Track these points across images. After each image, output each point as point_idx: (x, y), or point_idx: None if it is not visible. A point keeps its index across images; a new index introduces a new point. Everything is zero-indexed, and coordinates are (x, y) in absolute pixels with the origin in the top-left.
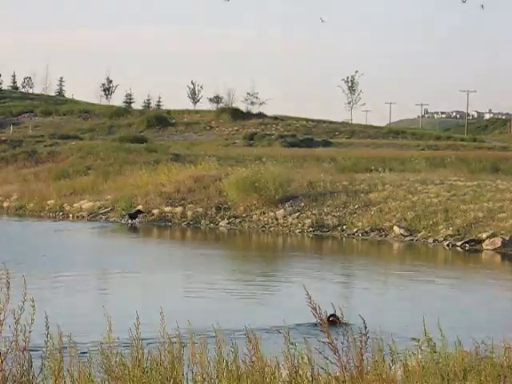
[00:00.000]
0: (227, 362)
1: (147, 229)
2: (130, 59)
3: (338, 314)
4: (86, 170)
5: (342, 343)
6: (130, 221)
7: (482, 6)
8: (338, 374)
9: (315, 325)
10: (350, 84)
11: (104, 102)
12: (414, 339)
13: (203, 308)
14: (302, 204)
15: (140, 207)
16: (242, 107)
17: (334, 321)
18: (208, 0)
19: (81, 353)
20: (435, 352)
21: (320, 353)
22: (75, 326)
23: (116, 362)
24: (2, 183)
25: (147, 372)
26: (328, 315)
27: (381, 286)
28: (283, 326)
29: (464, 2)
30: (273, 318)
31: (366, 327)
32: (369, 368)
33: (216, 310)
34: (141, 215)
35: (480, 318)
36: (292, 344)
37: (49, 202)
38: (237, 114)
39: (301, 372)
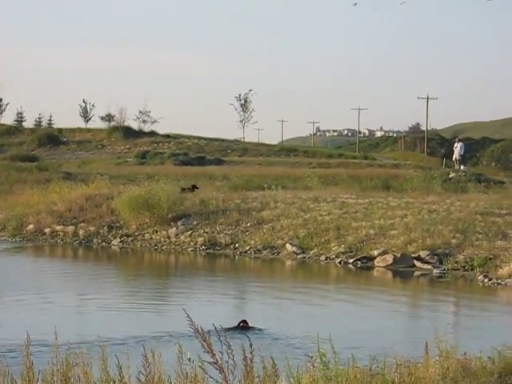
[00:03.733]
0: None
1: (38, 248)
2: (20, 77)
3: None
4: None
5: (227, 361)
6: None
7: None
8: None
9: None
10: (242, 102)
11: None
12: (307, 355)
13: (93, 325)
14: (195, 222)
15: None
16: (134, 126)
17: (244, 326)
18: (103, 20)
19: None
20: (328, 369)
21: (206, 373)
22: None
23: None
24: None
25: None
26: (239, 321)
27: (273, 302)
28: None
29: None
30: (169, 330)
31: (251, 345)
32: None
33: (106, 327)
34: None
35: (371, 334)
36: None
37: None
38: (129, 133)
39: None
